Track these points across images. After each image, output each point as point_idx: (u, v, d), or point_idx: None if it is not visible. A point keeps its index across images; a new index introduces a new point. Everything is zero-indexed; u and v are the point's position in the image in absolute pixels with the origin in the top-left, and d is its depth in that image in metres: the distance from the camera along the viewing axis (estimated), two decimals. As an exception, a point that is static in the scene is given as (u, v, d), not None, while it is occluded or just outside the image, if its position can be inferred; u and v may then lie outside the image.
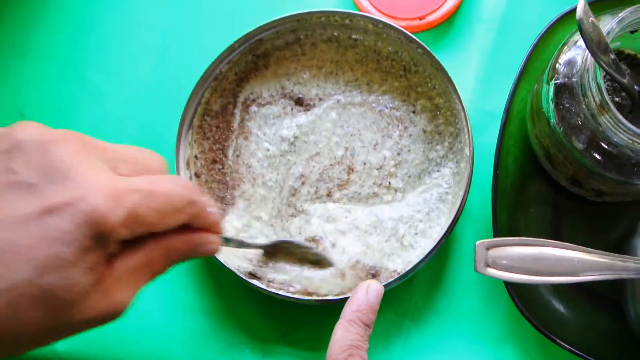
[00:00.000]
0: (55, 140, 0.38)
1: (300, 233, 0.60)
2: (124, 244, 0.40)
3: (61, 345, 0.62)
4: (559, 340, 0.58)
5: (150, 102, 0.65)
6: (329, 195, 0.61)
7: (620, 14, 0.51)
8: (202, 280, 0.63)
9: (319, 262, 0.58)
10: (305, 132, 0.62)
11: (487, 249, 0.51)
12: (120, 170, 0.41)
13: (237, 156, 0.62)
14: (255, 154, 0.62)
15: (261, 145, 0.62)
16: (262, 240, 0.59)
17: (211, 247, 0.44)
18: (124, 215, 0.37)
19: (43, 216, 0.36)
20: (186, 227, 0.42)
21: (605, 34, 0.50)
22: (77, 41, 0.67)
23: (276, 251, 0.59)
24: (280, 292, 0.57)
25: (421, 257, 0.57)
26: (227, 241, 0.52)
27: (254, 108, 0.62)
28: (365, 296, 0.52)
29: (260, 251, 0.59)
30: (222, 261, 0.57)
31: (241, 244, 0.55)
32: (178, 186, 0.41)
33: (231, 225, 0.61)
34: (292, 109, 0.62)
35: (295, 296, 0.57)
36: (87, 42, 0.67)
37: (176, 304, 0.63)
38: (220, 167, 0.62)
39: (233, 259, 0.59)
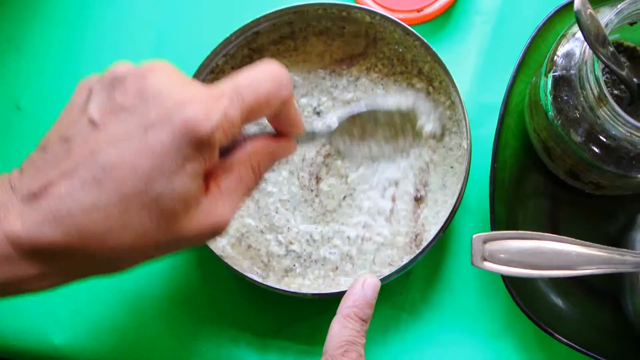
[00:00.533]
0: (148, 69, 0.41)
1: (314, 210, 0.61)
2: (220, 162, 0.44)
3: (58, 338, 0.62)
4: (557, 335, 0.58)
5: None
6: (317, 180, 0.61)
7: (619, 5, 0.50)
8: (198, 274, 0.63)
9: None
10: None
11: (484, 242, 0.51)
12: None
13: None
14: None
15: None
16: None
17: (290, 150, 0.48)
18: (218, 119, 0.40)
19: (144, 132, 0.40)
20: (266, 136, 0.47)
21: (603, 26, 0.49)
22: (73, 36, 0.67)
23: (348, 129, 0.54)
24: (277, 287, 0.57)
25: (418, 250, 0.56)
26: (301, 140, 0.50)
27: None
28: (362, 291, 0.52)
29: None
30: (219, 255, 0.57)
31: (314, 135, 0.52)
32: (267, 76, 0.43)
33: (242, 223, 0.61)
34: None
35: (292, 290, 0.57)
36: (83, 36, 0.67)
37: (172, 299, 0.63)
38: None
39: (228, 251, 0.59)
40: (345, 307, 0.51)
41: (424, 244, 0.57)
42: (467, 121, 0.58)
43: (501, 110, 0.60)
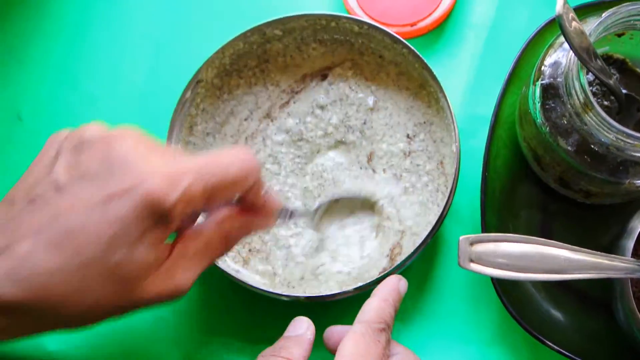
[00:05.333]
0: (115, 136, 0.42)
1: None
2: (183, 227, 0.44)
3: (52, 345, 0.62)
4: (547, 342, 0.58)
5: (143, 106, 0.66)
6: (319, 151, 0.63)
7: (602, 15, 0.51)
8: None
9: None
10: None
11: (472, 244, 0.51)
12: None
13: None
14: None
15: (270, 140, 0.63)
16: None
17: (266, 224, 0.48)
18: (179, 195, 0.41)
19: (106, 203, 0.40)
20: (242, 203, 0.46)
21: (587, 35, 0.50)
22: (72, 48, 0.69)
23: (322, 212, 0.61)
24: (270, 290, 0.57)
25: (408, 254, 0.57)
26: (279, 216, 0.53)
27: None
28: (397, 285, 0.52)
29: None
30: (222, 268, 0.58)
31: (292, 214, 0.56)
32: (234, 162, 0.44)
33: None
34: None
35: (286, 294, 0.57)
36: (82, 48, 0.68)
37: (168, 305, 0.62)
38: None
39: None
40: (383, 291, 0.51)
41: (413, 248, 0.57)
42: (455, 124, 0.58)
43: (492, 121, 0.61)
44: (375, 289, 0.51)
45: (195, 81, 0.61)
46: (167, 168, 0.41)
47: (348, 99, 0.63)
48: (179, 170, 0.42)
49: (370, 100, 0.63)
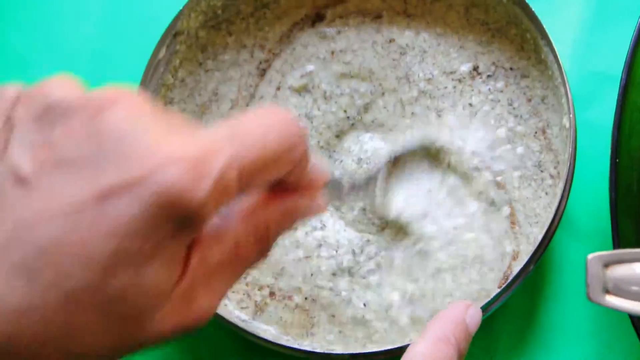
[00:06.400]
0: (107, 101, 0.32)
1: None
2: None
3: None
4: None
5: (96, 72, 0.55)
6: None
7: None
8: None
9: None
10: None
11: (606, 266, 0.39)
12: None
13: None
14: None
15: None
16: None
17: (315, 209, 0.39)
18: (211, 186, 0.31)
19: (101, 203, 0.31)
20: (277, 188, 0.37)
21: None
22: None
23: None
24: (295, 346, 0.45)
25: (504, 284, 0.44)
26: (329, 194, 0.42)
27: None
28: (463, 317, 0.42)
29: None
30: (222, 315, 0.46)
31: (348, 189, 0.46)
32: (272, 135, 0.34)
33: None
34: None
35: (318, 351, 0.45)
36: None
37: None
38: None
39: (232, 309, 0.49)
40: (439, 327, 0.41)
41: (509, 278, 0.45)
42: (567, 88, 0.46)
43: (622, 81, 0.49)
44: (431, 322, 0.41)
45: (173, 33, 0.49)
46: (188, 148, 0.31)
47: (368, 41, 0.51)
48: (205, 148, 0.32)
49: (406, 39, 0.50)
